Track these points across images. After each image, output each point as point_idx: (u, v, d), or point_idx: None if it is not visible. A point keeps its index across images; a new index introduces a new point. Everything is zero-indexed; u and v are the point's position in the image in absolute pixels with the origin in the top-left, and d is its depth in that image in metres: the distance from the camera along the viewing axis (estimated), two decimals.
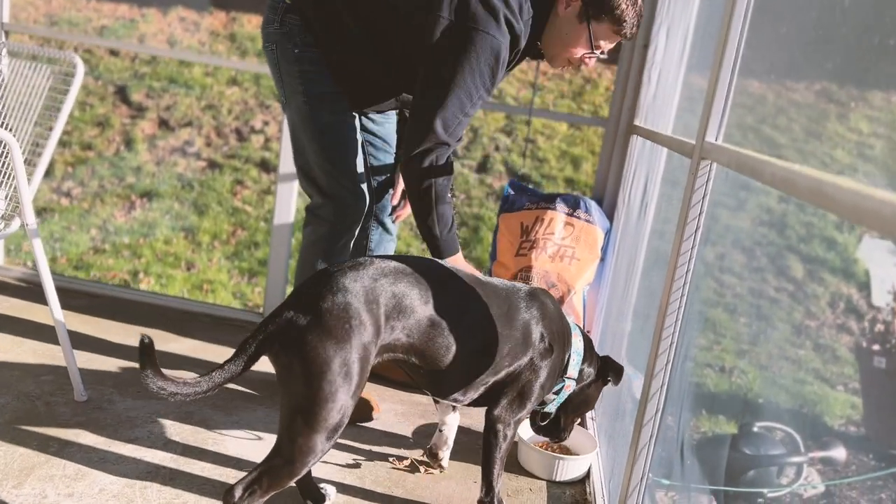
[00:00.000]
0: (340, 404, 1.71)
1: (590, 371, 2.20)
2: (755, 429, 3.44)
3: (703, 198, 1.67)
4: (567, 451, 2.53)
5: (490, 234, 7.12)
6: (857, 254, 7.79)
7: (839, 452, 3.66)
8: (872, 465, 3.86)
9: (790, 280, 7.38)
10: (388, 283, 1.82)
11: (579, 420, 2.37)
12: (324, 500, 2.05)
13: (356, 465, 2.31)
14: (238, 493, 1.70)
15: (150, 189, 7.26)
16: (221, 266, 6.37)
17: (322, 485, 2.09)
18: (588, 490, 2.38)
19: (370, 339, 1.76)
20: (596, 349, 2.26)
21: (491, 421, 2.02)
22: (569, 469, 2.40)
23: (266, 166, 7.93)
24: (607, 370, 2.21)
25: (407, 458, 2.38)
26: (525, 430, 2.53)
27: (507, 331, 1.96)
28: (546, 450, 2.48)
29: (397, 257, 1.93)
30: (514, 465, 2.45)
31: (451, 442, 2.38)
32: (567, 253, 2.90)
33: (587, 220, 2.96)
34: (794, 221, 8.26)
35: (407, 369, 2.00)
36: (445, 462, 2.35)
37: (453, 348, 1.89)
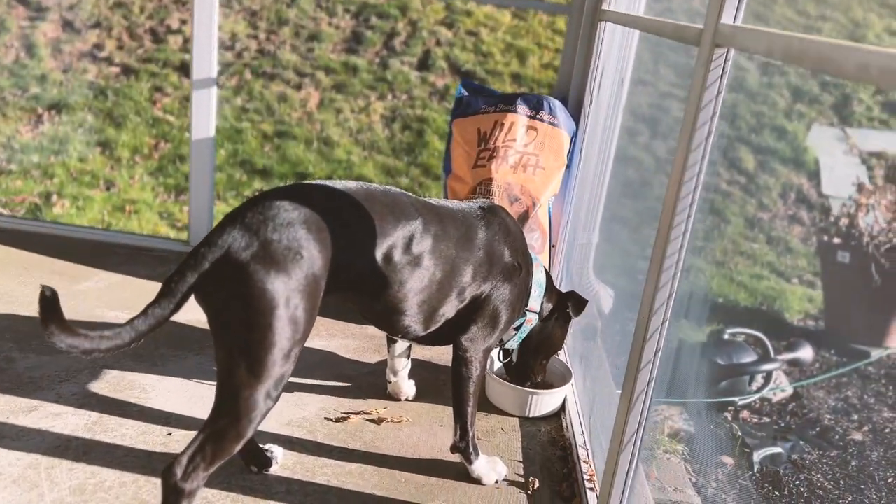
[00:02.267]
0: (288, 347, 1.45)
1: (549, 306, 2.04)
2: (725, 336, 3.30)
3: (718, 96, 1.35)
4: (539, 383, 2.30)
5: (436, 138, 6.72)
6: (806, 142, 7.70)
7: (806, 353, 3.58)
8: (835, 360, 3.80)
9: (742, 172, 7.26)
10: (336, 209, 1.57)
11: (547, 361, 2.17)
12: (270, 465, 1.78)
13: (304, 422, 2.03)
14: (179, 470, 1.43)
15: (58, 100, 6.56)
16: (145, 184, 5.85)
17: (267, 446, 1.81)
18: (565, 425, 2.16)
19: (320, 273, 1.50)
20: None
21: (460, 350, 1.79)
22: (543, 404, 2.17)
23: (187, 70, 7.26)
24: (568, 302, 2.04)
25: (364, 411, 2.11)
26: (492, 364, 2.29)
27: (467, 253, 1.75)
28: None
29: (342, 183, 1.62)
30: (484, 402, 2.21)
31: (406, 388, 2.15)
32: (530, 161, 2.58)
33: (551, 123, 2.63)
34: (744, 111, 8.08)
35: (358, 307, 1.71)
36: (410, 392, 2.16)
37: (410, 279, 1.66)
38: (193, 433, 1.47)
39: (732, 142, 7.54)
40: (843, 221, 4.12)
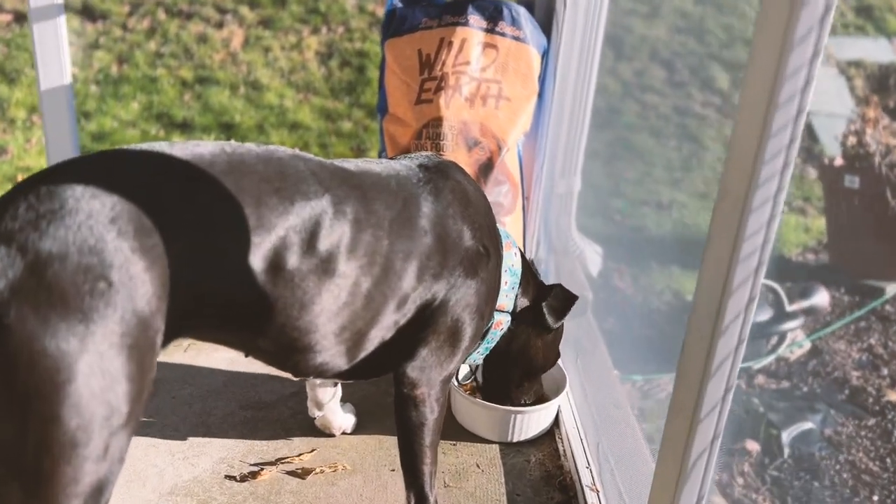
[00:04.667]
0: (100, 445, 0.85)
1: (525, 302, 1.43)
2: None
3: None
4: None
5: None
6: None
7: (822, 298, 3.09)
8: (847, 301, 3.33)
9: (716, 92, 6.69)
10: (176, 193, 0.96)
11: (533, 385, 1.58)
12: None
13: (195, 486, 1.43)
14: None
15: None
16: (43, 148, 5.04)
17: None
18: (561, 450, 1.60)
19: (150, 307, 0.89)
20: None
21: (406, 385, 1.21)
22: (530, 424, 1.59)
23: (91, 13, 6.38)
24: (546, 300, 1.44)
25: (284, 459, 1.51)
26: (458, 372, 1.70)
27: (407, 242, 1.17)
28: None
29: (187, 146, 1.00)
30: (450, 424, 1.63)
31: (340, 419, 1.57)
32: (491, 91, 1.94)
33: (515, 38, 1.98)
34: (713, 25, 7.46)
35: (236, 346, 1.11)
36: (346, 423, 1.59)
37: (319, 296, 1.06)
38: None
39: (702, 59, 6.94)
40: (851, 140, 3.60)
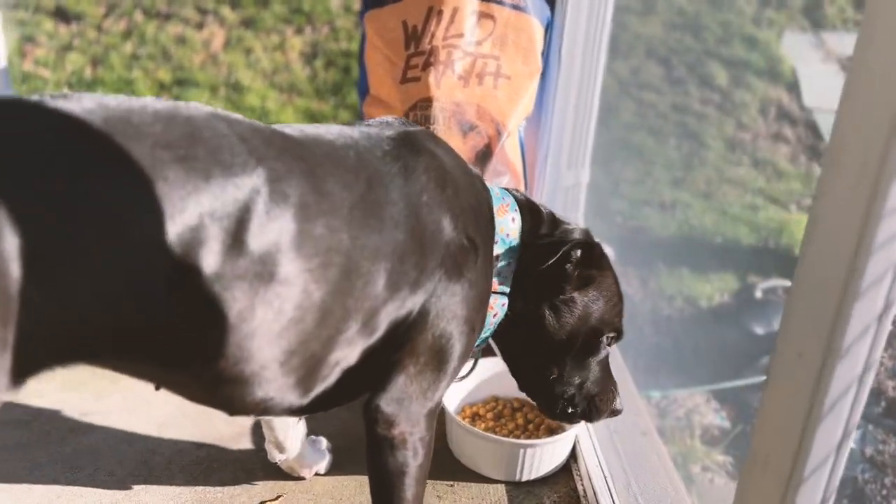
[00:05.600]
0: None
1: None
2: (759, 294, 2.52)
3: None
4: (527, 416, 1.47)
5: None
6: (780, 51, 6.94)
7: None
8: None
9: (714, 89, 6.46)
10: (24, 161, 0.70)
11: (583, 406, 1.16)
12: None
13: None
14: None
15: None
16: None
17: None
18: (581, 490, 1.33)
19: None
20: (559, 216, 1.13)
21: (381, 424, 0.94)
22: (542, 458, 1.32)
23: (64, 15, 6.10)
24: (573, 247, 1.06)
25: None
26: (454, 389, 1.45)
27: (374, 236, 0.89)
28: (492, 427, 1.41)
29: (51, 97, 0.74)
30: (446, 460, 1.36)
31: (309, 458, 1.30)
32: (488, 68, 1.68)
33: (515, 6, 1.72)
34: (709, 21, 7.25)
35: (145, 379, 0.83)
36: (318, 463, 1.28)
37: (254, 310, 0.79)
38: None
39: (700, 56, 6.72)
40: None
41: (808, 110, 6.30)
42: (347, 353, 0.89)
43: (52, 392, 1.51)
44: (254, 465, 1.32)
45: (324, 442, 1.33)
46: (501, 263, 1.07)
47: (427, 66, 1.65)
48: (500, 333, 1.11)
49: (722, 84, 6.49)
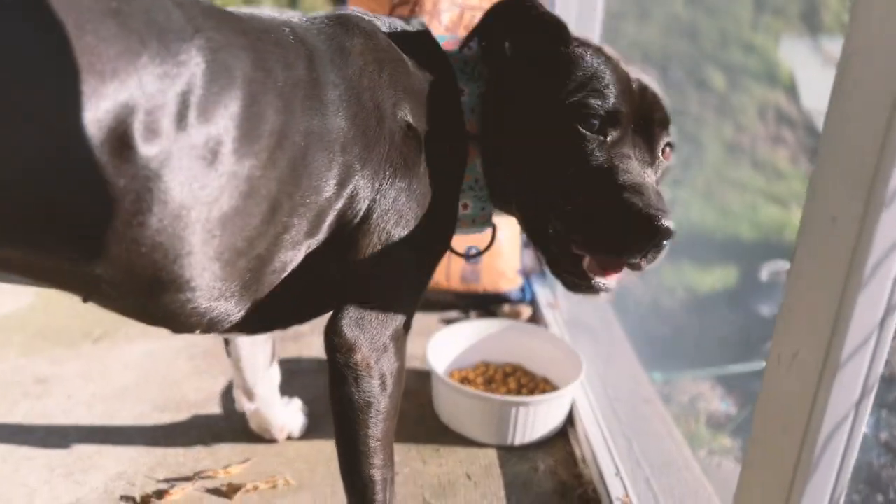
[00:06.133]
0: None
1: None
2: (763, 276, 2.42)
3: None
4: (520, 381, 1.36)
5: None
6: (778, 55, 6.90)
7: None
8: None
9: (712, 93, 6.41)
10: None
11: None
12: None
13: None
14: None
15: None
16: None
17: None
18: (579, 454, 1.22)
19: None
20: None
21: (341, 351, 0.82)
22: (536, 420, 1.21)
23: None
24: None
25: (204, 473, 1.13)
26: (441, 353, 1.34)
27: (318, 120, 0.79)
28: (481, 385, 1.31)
29: None
30: (432, 423, 1.26)
31: (282, 417, 1.19)
32: (476, 20, 1.59)
33: None
34: (706, 27, 7.22)
35: (67, 280, 0.73)
36: (292, 424, 1.17)
37: (189, 199, 0.68)
38: None
39: (697, 61, 6.68)
40: None
41: (807, 113, 6.25)
42: (294, 256, 0.79)
43: (6, 358, 1.41)
44: (221, 429, 1.21)
45: (298, 402, 1.22)
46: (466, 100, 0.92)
47: (412, 15, 1.56)
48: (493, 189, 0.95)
49: (719, 88, 6.44)
